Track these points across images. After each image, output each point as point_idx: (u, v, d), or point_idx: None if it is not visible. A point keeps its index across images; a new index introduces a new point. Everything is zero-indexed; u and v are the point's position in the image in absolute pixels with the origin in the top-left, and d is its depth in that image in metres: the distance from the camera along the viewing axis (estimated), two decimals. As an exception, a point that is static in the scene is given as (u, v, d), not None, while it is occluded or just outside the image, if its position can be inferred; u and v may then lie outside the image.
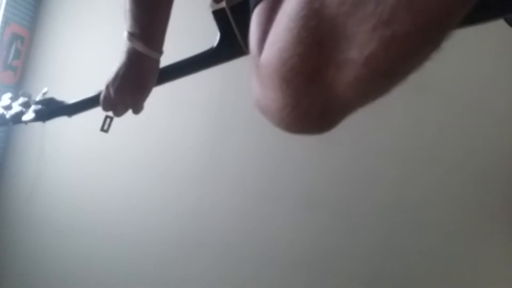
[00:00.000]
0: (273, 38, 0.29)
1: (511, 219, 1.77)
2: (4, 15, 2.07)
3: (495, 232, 1.79)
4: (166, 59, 0.91)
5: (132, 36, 0.82)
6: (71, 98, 2.32)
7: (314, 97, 0.28)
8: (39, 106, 0.93)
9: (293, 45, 0.27)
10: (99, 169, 2.18)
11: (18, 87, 2.26)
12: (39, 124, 2.04)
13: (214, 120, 2.09)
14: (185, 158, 2.10)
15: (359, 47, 0.24)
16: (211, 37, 0.79)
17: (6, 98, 0.96)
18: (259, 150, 2.02)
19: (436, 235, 1.83)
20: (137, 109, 0.97)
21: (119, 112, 0.95)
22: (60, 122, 2.29)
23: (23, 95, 0.96)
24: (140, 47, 0.83)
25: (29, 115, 0.91)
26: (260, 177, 2.02)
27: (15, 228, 2.25)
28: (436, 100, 1.85)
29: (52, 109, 0.94)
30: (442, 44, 0.25)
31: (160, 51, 0.88)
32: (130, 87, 0.89)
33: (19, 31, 2.19)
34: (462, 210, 1.82)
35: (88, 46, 2.23)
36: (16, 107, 0.93)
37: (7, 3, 2.08)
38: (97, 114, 2.29)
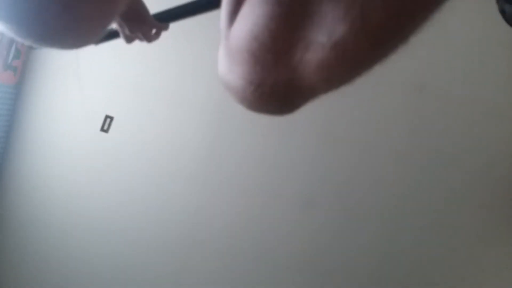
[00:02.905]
0: (247, 11, 0.29)
1: (511, 218, 1.77)
2: (4, 15, 2.06)
3: (496, 231, 1.79)
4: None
5: None
6: (71, 97, 2.31)
7: (279, 77, 0.28)
8: None
9: (265, 19, 0.27)
10: (99, 169, 2.18)
11: (18, 87, 2.26)
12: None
13: (213, 120, 2.09)
14: (184, 158, 2.10)
15: (331, 28, 0.24)
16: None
17: None
18: (259, 150, 2.02)
19: (435, 235, 1.83)
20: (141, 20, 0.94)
21: (134, 35, 0.94)
22: (60, 122, 2.30)
23: None
24: None
25: None
26: (259, 177, 2.02)
27: (15, 227, 2.25)
28: (436, 101, 1.85)
29: None
30: (413, 35, 0.25)
31: None
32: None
33: (19, 31, 2.18)
34: (462, 209, 1.81)
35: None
36: None
37: (7, 3, 2.07)
38: (97, 114, 2.30)
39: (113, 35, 1.00)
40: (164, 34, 1.03)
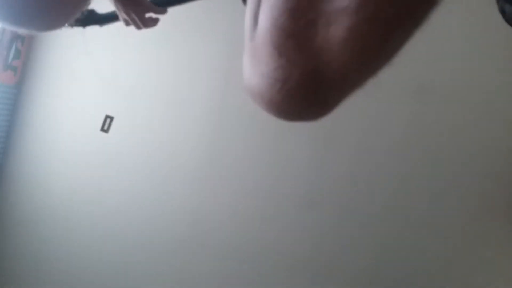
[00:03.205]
0: (265, 4, 0.28)
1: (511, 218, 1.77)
2: (4, 15, 2.06)
3: (496, 232, 1.79)
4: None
5: None
6: (71, 97, 2.31)
7: (305, 66, 0.26)
8: (79, 14, 1.04)
9: (283, 1, 0.25)
10: (99, 169, 2.18)
11: (18, 87, 2.26)
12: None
13: (213, 120, 2.09)
14: (185, 158, 2.10)
15: None
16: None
17: None
18: (259, 151, 2.02)
19: (437, 236, 1.83)
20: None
21: (130, 19, 0.96)
22: (60, 122, 2.30)
23: None
24: None
25: None
26: (261, 178, 2.01)
27: (14, 227, 2.25)
28: (437, 101, 1.85)
29: (88, 17, 1.05)
30: None
31: None
32: None
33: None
34: (463, 210, 1.81)
35: (88, 44, 2.23)
36: None
37: (7, 3, 2.07)
38: (97, 114, 2.30)
39: (114, 17, 1.02)
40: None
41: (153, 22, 1.00)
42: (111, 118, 2.15)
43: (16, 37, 2.17)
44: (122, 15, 0.95)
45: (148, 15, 0.98)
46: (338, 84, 0.27)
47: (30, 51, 2.29)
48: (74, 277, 2.17)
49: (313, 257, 1.94)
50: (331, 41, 0.24)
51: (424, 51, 1.79)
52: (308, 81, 0.26)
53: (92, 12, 1.08)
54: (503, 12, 0.62)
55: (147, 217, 2.11)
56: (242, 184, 2.03)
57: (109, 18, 1.05)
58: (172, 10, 1.02)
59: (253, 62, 0.30)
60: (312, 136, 1.96)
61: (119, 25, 1.03)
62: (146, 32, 1.24)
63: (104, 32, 2.13)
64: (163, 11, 1.00)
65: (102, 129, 2.14)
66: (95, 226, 2.16)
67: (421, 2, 0.22)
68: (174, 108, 2.12)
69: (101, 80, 2.19)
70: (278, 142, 1.99)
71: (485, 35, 1.77)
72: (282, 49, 0.26)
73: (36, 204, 2.23)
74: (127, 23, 0.97)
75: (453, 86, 1.83)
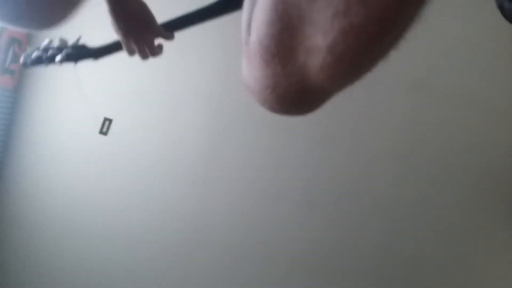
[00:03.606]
0: (254, 18, 0.31)
1: (511, 218, 1.76)
2: (1, 19, 2.06)
3: (495, 229, 1.79)
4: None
5: None
6: (69, 100, 2.31)
7: (290, 79, 0.30)
8: (70, 50, 1.10)
9: (267, 25, 0.29)
10: (98, 171, 2.18)
11: (16, 91, 2.25)
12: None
13: (213, 122, 2.08)
14: (184, 159, 2.10)
15: (323, 34, 0.26)
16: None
17: (45, 42, 1.11)
18: (259, 152, 2.02)
19: (436, 234, 1.83)
20: (148, 41, 0.93)
21: (139, 47, 0.93)
22: (58, 125, 2.29)
23: (60, 40, 1.11)
24: None
25: (61, 56, 1.09)
26: (260, 177, 2.01)
27: (13, 231, 2.25)
28: (435, 99, 1.85)
29: (80, 53, 1.10)
30: (403, 34, 0.26)
31: None
32: (122, 19, 0.89)
33: (16, 35, 2.18)
34: (462, 209, 1.81)
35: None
36: (53, 50, 1.11)
37: (3, 7, 2.07)
38: (96, 116, 2.30)
39: (116, 48, 0.98)
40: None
41: (160, 49, 0.95)
42: (110, 121, 2.14)
43: (13, 40, 2.17)
44: (130, 45, 0.89)
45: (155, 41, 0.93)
46: (320, 94, 0.32)
47: (28, 54, 2.28)
48: (74, 277, 2.17)
49: (311, 255, 1.94)
50: (309, 66, 0.28)
51: (420, 48, 1.78)
52: (293, 90, 0.31)
53: (83, 47, 1.07)
54: (501, 8, 0.62)
55: (147, 218, 2.11)
56: (240, 183, 2.03)
57: (105, 50, 1.03)
58: (169, 12, 1.00)
59: (248, 66, 0.34)
60: (308, 135, 1.95)
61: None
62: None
63: (101, 33, 2.12)
64: (171, 37, 0.96)
65: (101, 132, 2.14)
66: (95, 228, 2.15)
67: (381, 49, 0.27)
68: (172, 109, 2.11)
69: (100, 82, 2.18)
70: (276, 142, 1.98)
71: (481, 31, 1.77)
72: (269, 63, 0.30)
73: (36, 207, 2.22)
74: (131, 53, 0.92)
75: (449, 82, 1.83)
